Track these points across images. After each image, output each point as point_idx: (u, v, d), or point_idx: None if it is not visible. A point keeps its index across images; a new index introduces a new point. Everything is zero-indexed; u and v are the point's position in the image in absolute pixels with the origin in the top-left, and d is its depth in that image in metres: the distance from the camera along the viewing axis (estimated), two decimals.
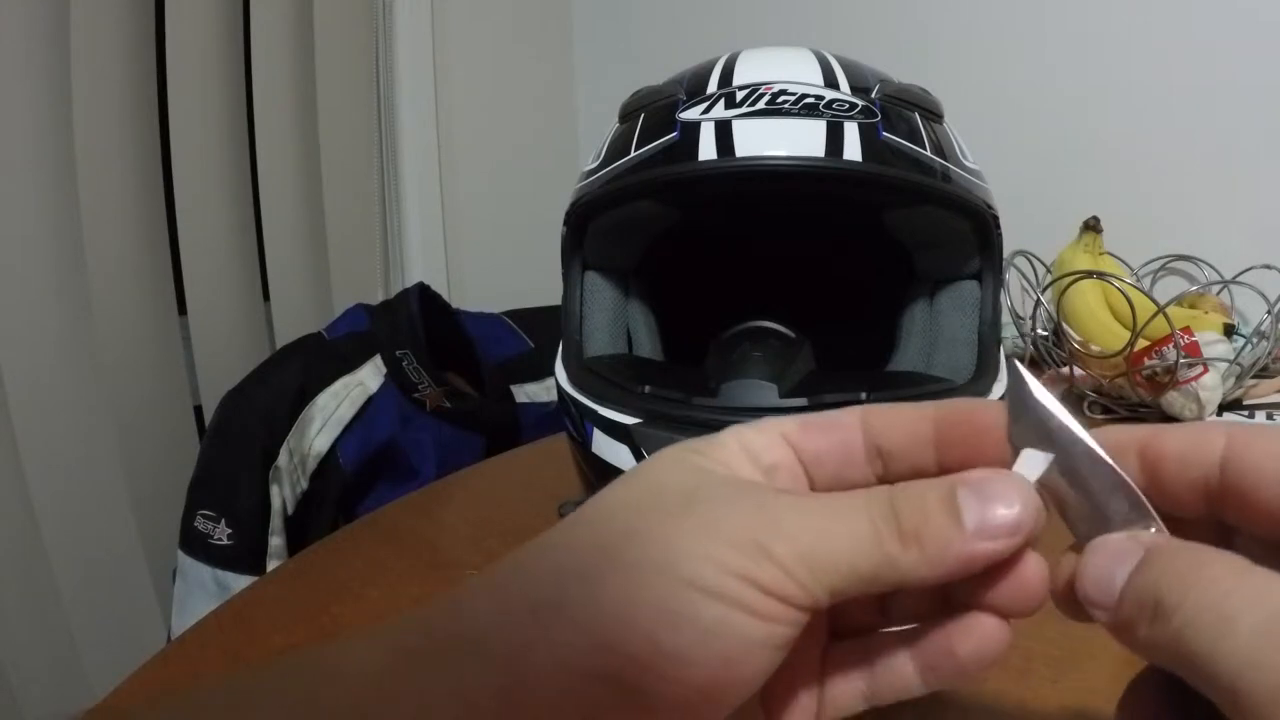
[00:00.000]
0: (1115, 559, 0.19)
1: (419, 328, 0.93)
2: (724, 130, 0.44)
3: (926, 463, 0.22)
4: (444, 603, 0.22)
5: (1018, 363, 0.22)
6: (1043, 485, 0.21)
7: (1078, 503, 0.21)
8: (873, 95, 0.46)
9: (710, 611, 0.19)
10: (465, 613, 0.21)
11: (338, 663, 0.21)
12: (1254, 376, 0.73)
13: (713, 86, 0.47)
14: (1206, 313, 0.80)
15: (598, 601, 0.19)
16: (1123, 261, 0.93)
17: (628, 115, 0.50)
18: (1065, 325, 0.81)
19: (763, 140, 0.43)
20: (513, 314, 1.08)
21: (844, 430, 0.23)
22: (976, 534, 0.19)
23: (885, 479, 0.23)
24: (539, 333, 1.05)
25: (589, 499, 0.23)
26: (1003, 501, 0.20)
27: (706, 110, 0.45)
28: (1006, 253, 0.53)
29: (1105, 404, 0.76)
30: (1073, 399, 0.78)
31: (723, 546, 0.19)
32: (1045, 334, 0.83)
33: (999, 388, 0.47)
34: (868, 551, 0.19)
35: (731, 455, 0.23)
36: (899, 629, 0.23)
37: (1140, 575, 0.19)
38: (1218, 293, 0.86)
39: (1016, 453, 0.21)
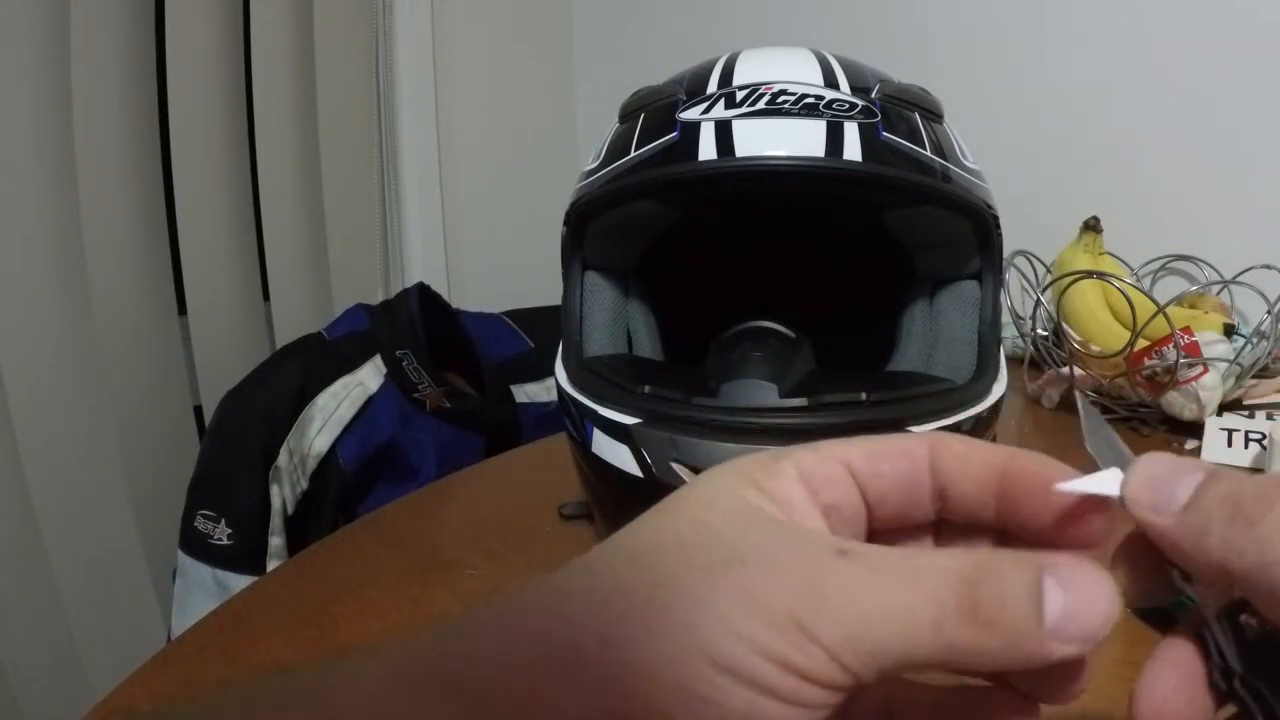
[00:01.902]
0: (1175, 473, 0.19)
1: (419, 328, 0.93)
2: (724, 130, 0.44)
3: (985, 513, 0.21)
4: (454, 635, 0.20)
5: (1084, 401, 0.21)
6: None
7: None
8: (873, 95, 0.46)
9: (736, 698, 0.17)
10: (478, 650, 0.19)
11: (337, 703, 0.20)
12: (1254, 376, 0.73)
13: (713, 86, 0.47)
14: (1206, 313, 0.80)
15: (613, 669, 0.18)
16: (1123, 261, 0.93)
17: (628, 115, 0.50)
18: (1065, 325, 0.81)
19: (763, 140, 0.43)
20: (513, 314, 1.08)
21: (912, 465, 0.21)
22: (1052, 634, 0.17)
23: (940, 518, 0.22)
24: (539, 333, 1.05)
25: (631, 525, 0.20)
26: (1089, 603, 0.18)
27: (706, 110, 0.45)
28: (1006, 253, 0.53)
29: (1105, 404, 0.76)
30: (1073, 399, 0.78)
31: (758, 623, 0.17)
32: (1045, 334, 0.83)
33: (998, 388, 0.47)
34: (926, 636, 0.17)
35: (789, 488, 0.20)
36: (930, 685, 0.21)
37: (1216, 485, 0.18)
38: (1218, 293, 0.86)
39: (1093, 463, 0.20)
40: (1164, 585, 0.20)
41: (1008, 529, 0.21)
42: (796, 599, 0.17)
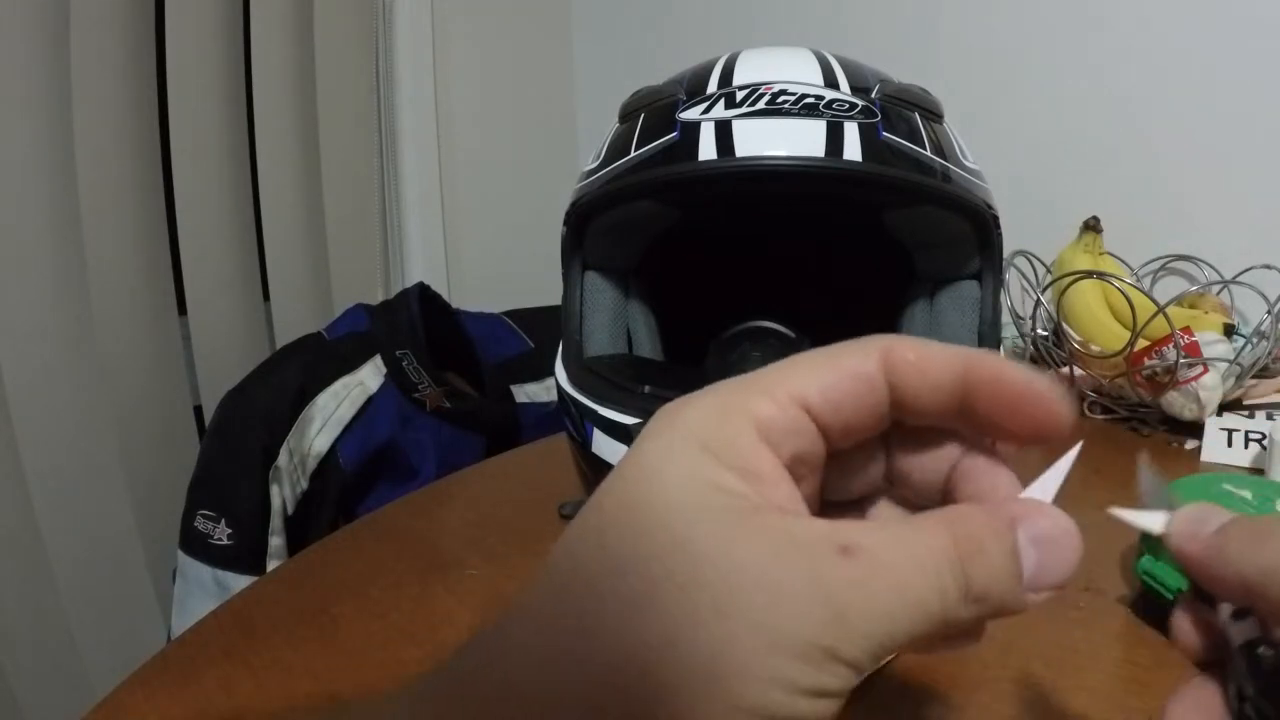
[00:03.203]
0: (1212, 511, 0.22)
1: (419, 328, 0.93)
2: (724, 130, 0.44)
3: (944, 417, 0.21)
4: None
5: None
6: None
7: None
8: (873, 95, 0.46)
9: None
10: None
11: None
12: (1254, 376, 0.73)
13: (713, 86, 0.47)
14: (1206, 313, 0.80)
15: None
16: (1123, 261, 0.93)
17: (628, 115, 0.50)
18: (1065, 325, 0.81)
19: (763, 140, 0.44)
20: (513, 314, 1.08)
21: (868, 388, 0.20)
22: (1029, 587, 0.19)
23: (894, 427, 0.22)
24: (539, 333, 1.06)
25: (582, 543, 0.20)
26: (1057, 554, 0.19)
27: (706, 110, 0.45)
28: (1006, 253, 0.53)
29: (1105, 404, 0.76)
30: (1072, 399, 0.78)
31: (786, 660, 0.17)
32: (1045, 334, 0.83)
33: None
34: (935, 622, 0.18)
35: (753, 454, 0.19)
36: None
37: (1242, 519, 0.21)
38: (1218, 293, 0.86)
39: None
40: (1218, 640, 0.22)
41: (964, 422, 0.21)
42: (818, 627, 0.17)
